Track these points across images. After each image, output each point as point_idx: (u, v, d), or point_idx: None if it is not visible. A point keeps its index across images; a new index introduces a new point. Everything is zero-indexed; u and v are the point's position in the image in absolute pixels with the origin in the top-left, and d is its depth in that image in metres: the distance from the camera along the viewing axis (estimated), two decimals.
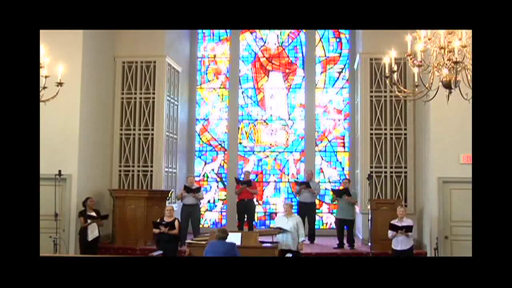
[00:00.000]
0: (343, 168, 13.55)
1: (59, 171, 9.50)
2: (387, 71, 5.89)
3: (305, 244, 10.82)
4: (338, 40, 13.93)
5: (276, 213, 13.32)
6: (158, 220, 9.01)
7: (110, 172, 11.80)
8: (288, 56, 14.07)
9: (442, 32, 5.16)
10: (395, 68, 5.75)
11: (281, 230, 8.83)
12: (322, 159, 13.64)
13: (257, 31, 14.12)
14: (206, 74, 14.19)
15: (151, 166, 11.82)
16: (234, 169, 13.59)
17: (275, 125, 13.92)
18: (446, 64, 5.22)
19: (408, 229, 8.69)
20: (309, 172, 12.04)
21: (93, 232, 9.44)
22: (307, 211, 11.52)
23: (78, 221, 9.79)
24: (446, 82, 5.27)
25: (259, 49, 14.16)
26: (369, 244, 9.76)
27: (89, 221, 9.40)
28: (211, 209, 13.79)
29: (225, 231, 7.53)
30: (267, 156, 13.84)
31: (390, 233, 8.76)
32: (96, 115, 11.09)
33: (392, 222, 8.84)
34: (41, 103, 6.10)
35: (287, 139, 13.84)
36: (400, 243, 8.71)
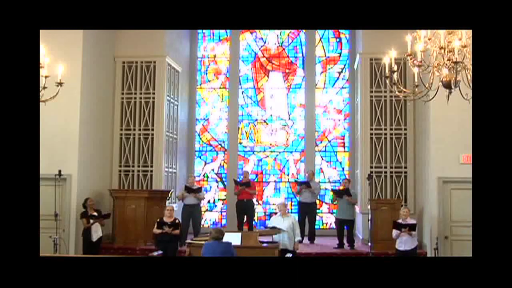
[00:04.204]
0: (343, 168, 13.55)
1: (59, 171, 9.50)
2: (387, 71, 5.89)
3: (305, 244, 10.89)
4: (338, 40, 13.93)
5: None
6: (158, 220, 9.02)
7: (110, 172, 11.80)
8: (288, 56, 14.07)
9: (442, 32, 5.16)
10: (395, 68, 5.74)
11: (279, 230, 8.84)
12: (322, 159, 13.64)
13: (257, 31, 14.12)
14: (206, 74, 14.19)
15: (151, 166, 11.82)
16: (234, 169, 13.59)
17: (275, 125, 13.92)
18: (446, 64, 5.22)
19: (411, 227, 8.69)
20: (309, 172, 12.03)
21: (96, 232, 9.45)
22: (307, 211, 11.54)
23: (78, 221, 9.81)
24: (446, 82, 5.27)
25: (259, 49, 14.16)
26: (369, 244, 9.76)
27: (91, 221, 9.40)
28: (211, 209, 13.79)
29: (221, 232, 7.42)
30: (267, 156, 13.84)
31: (394, 232, 8.76)
32: (96, 115, 11.09)
33: (397, 221, 8.86)
34: (41, 103, 6.10)
35: (287, 139, 13.84)
36: (404, 243, 8.71)
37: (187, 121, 13.76)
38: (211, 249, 7.20)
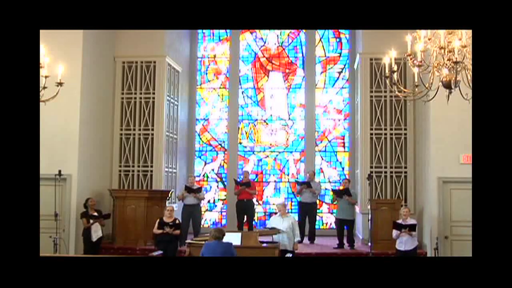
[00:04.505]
0: (343, 168, 13.55)
1: (59, 171, 9.50)
2: (387, 71, 5.88)
3: (305, 244, 10.89)
4: (338, 40, 13.93)
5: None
6: (159, 220, 9.02)
7: (110, 172, 11.80)
8: (288, 56, 14.07)
9: (442, 32, 5.16)
10: (395, 68, 5.74)
11: (279, 231, 8.84)
12: (322, 159, 13.64)
13: (257, 31, 14.12)
14: (206, 74, 14.20)
15: (151, 166, 11.82)
16: (234, 169, 13.59)
17: (275, 125, 13.92)
18: (446, 64, 5.22)
19: (412, 228, 8.70)
20: (310, 172, 12.04)
21: (96, 232, 9.45)
22: (308, 211, 11.55)
23: (78, 221, 9.81)
24: (446, 82, 5.27)
25: (259, 49, 14.16)
26: (369, 244, 9.76)
27: (91, 221, 9.41)
28: (211, 209, 13.79)
29: (222, 231, 7.44)
30: (267, 156, 13.84)
31: (394, 232, 8.76)
32: (96, 115, 11.09)
33: (397, 221, 8.86)
34: (41, 103, 6.10)
35: (287, 139, 13.84)
36: (404, 244, 8.71)
37: (187, 121, 13.76)
38: (211, 249, 7.19)
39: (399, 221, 8.83)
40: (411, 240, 8.73)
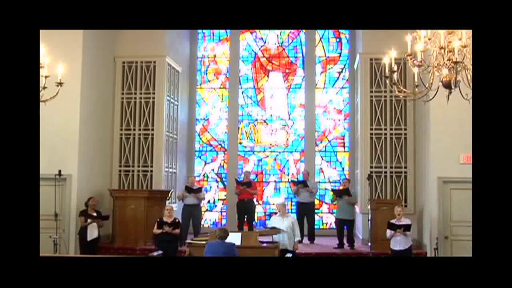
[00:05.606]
0: (343, 168, 13.55)
1: (59, 171, 9.50)
2: (387, 71, 5.89)
3: (305, 244, 10.89)
4: (338, 40, 13.94)
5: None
6: (159, 220, 9.02)
7: (110, 172, 11.79)
8: (288, 56, 14.07)
9: (442, 32, 5.16)
10: (395, 68, 5.74)
11: (279, 230, 8.85)
12: (322, 159, 13.64)
13: (257, 31, 14.12)
14: (206, 74, 14.20)
15: (151, 166, 11.82)
16: (234, 169, 13.59)
17: (275, 125, 13.92)
18: (446, 64, 5.22)
19: (406, 228, 8.70)
20: (305, 171, 12.05)
21: (92, 232, 9.43)
22: (306, 211, 11.54)
23: (78, 221, 9.80)
24: (446, 82, 5.27)
25: (259, 49, 14.16)
26: (369, 244, 9.76)
27: (89, 220, 9.40)
28: (211, 209, 13.79)
29: (226, 231, 7.53)
30: (267, 156, 13.84)
31: (388, 232, 8.77)
32: (96, 115, 11.09)
33: (391, 221, 8.86)
34: (41, 103, 6.10)
35: (287, 139, 13.84)
36: (398, 243, 8.71)
37: (187, 121, 13.76)
38: (213, 249, 7.21)
39: (393, 221, 8.82)
40: (405, 239, 8.73)
